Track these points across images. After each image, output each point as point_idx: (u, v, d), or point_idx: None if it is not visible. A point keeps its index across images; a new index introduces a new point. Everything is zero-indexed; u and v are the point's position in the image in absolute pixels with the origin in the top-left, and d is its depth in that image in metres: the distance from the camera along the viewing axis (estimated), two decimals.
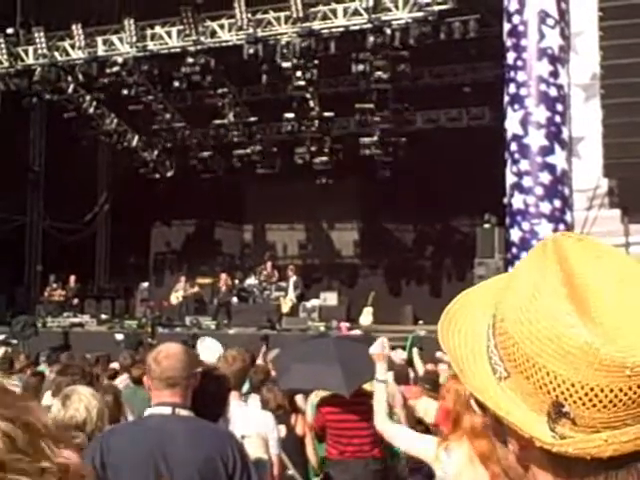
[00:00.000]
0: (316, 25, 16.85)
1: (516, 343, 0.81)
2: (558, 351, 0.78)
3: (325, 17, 16.88)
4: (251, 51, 17.16)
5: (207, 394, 3.26)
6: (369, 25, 16.51)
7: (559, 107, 13.05)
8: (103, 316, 19.85)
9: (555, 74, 13.05)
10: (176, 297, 19.32)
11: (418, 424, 6.57)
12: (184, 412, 2.87)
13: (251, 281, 19.48)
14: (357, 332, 12.58)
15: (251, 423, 4.37)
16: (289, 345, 8.13)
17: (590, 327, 0.78)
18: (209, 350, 7.05)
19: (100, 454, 2.71)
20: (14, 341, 16.10)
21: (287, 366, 5.97)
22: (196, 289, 19.61)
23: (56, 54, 18.85)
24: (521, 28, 13.20)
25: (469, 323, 0.92)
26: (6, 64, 18.91)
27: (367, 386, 5.97)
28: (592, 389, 0.77)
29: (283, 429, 5.88)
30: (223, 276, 19.56)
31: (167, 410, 2.84)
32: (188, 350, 3.13)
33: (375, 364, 4.19)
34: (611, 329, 0.78)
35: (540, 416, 0.80)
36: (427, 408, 6.69)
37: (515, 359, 0.82)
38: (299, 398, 6.46)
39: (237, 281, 20.03)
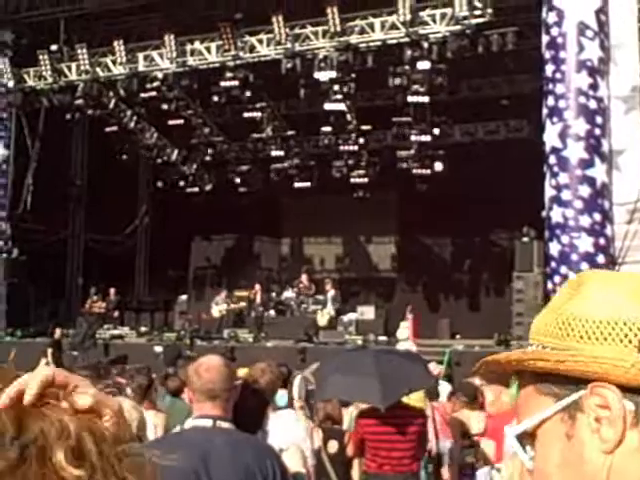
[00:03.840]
0: (353, 39, 16.93)
1: (583, 317, 0.85)
2: (628, 304, 0.83)
3: (363, 31, 16.96)
4: (289, 65, 17.29)
5: (246, 407, 3.30)
6: (406, 39, 16.55)
7: (599, 119, 12.93)
8: (142, 328, 20.05)
9: (594, 86, 12.94)
10: (219, 311, 19.38)
11: (463, 438, 6.52)
12: (225, 425, 2.89)
13: (288, 294, 19.54)
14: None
15: (288, 435, 4.39)
16: (329, 356, 8.13)
17: None
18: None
19: None
20: (75, 353, 16.33)
21: (325, 377, 5.97)
22: (240, 304, 19.70)
23: (98, 70, 19.20)
24: (560, 40, 13.13)
25: None
26: (50, 80, 19.32)
27: (406, 400, 5.95)
28: None
29: (335, 444, 5.87)
30: (257, 287, 19.68)
31: (208, 422, 2.87)
32: (228, 363, 3.17)
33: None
34: None
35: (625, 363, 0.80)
36: (469, 420, 6.63)
37: (586, 332, 0.84)
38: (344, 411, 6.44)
39: (274, 294, 20.10)
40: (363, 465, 5.79)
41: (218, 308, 19.46)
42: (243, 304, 19.69)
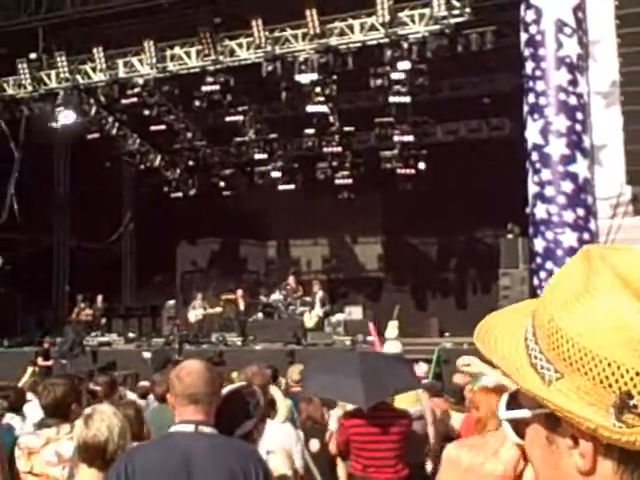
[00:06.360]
0: (333, 41, 16.94)
1: (570, 339, 0.79)
2: (622, 340, 0.75)
3: (342, 33, 16.97)
4: (270, 69, 17.27)
5: (234, 412, 3.29)
6: (386, 40, 16.58)
7: (579, 115, 13.01)
8: (130, 335, 19.97)
9: (574, 82, 13.02)
10: (195, 315, 19.29)
11: (446, 440, 6.53)
12: (207, 429, 2.89)
13: (276, 296, 19.50)
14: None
15: (275, 438, 4.39)
16: (317, 356, 8.16)
17: None
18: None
19: (125, 473, 2.74)
20: (63, 361, 16.29)
21: (311, 374, 6.01)
22: (218, 308, 19.60)
23: (78, 77, 19.13)
24: (538, 38, 13.20)
25: (505, 333, 0.92)
26: (30, 88, 19.23)
27: (398, 400, 5.97)
28: None
29: (316, 443, 5.88)
30: (239, 292, 19.61)
31: (190, 427, 2.86)
32: (210, 367, 3.16)
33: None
34: None
35: (600, 410, 0.76)
36: (453, 421, 6.65)
37: (570, 356, 0.79)
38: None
39: (262, 297, 20.06)
40: (349, 466, 5.79)
41: (195, 313, 19.35)
42: (219, 309, 19.58)
